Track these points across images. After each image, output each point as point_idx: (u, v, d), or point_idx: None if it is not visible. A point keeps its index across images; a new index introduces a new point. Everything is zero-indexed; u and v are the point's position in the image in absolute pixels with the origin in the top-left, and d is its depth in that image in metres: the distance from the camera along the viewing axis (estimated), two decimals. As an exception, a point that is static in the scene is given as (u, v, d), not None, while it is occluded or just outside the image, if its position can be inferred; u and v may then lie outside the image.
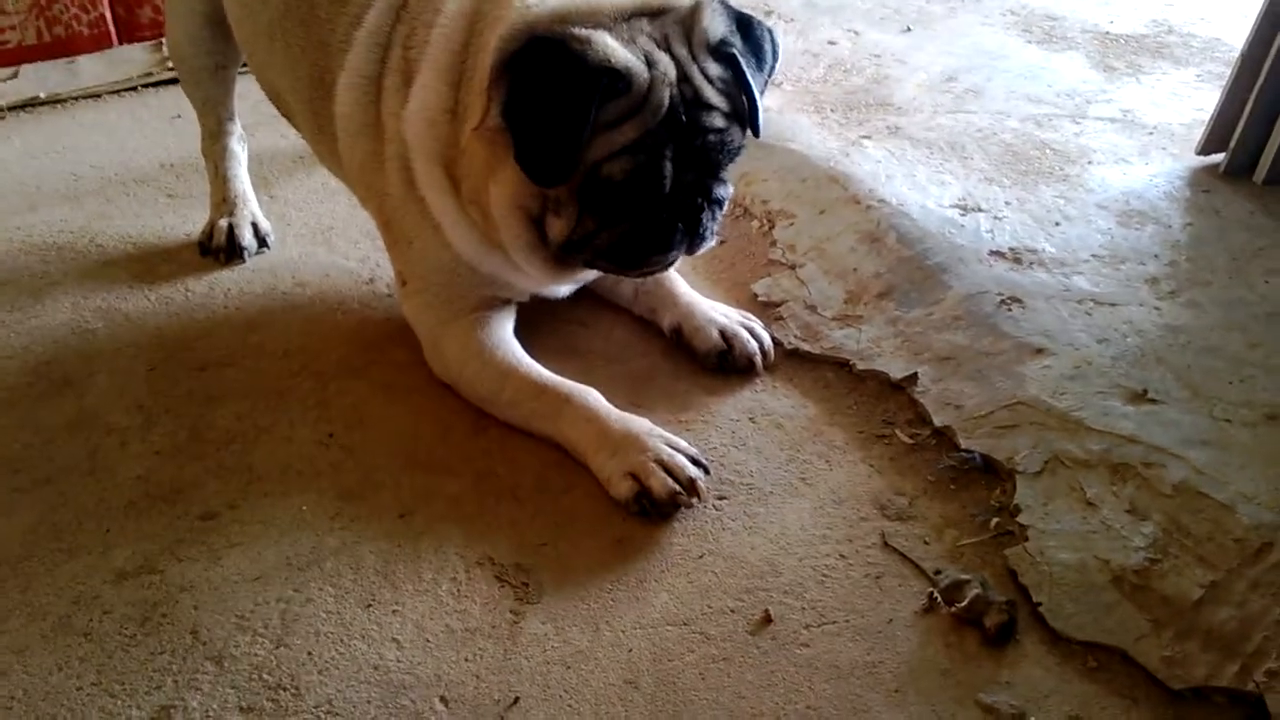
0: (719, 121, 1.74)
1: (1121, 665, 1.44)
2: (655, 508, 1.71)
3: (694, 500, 1.72)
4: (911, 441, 1.85)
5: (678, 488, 1.71)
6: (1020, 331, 2.04)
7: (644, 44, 1.69)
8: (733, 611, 1.56)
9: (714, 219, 1.83)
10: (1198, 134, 2.71)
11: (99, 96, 3.38)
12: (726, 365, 2.04)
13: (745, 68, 1.74)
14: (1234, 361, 1.96)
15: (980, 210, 2.44)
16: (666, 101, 1.67)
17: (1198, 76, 3.20)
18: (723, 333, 2.06)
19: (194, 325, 2.23)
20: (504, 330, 1.99)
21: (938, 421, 1.86)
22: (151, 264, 2.46)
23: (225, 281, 2.38)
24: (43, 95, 3.33)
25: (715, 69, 1.74)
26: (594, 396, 1.85)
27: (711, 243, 1.86)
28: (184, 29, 2.42)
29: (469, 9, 1.80)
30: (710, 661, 1.48)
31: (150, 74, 3.47)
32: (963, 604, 1.51)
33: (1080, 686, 1.42)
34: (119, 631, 1.55)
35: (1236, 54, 2.60)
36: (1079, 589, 1.53)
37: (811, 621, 1.53)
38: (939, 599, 1.54)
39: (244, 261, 2.44)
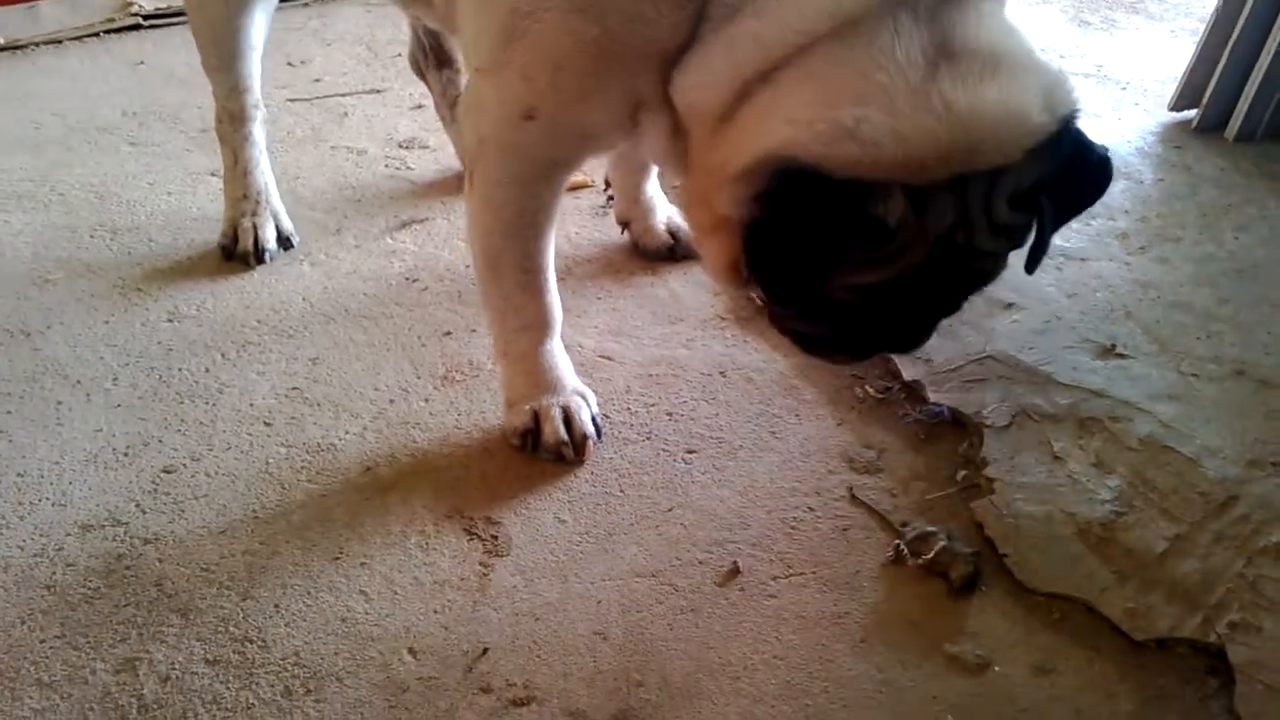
0: (985, 264, 1.43)
1: (1085, 616, 1.45)
2: (536, 450, 1.73)
3: (575, 458, 1.72)
4: (880, 395, 1.85)
5: (566, 439, 1.72)
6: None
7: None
8: (701, 564, 1.56)
9: (935, 331, 1.57)
10: (1170, 90, 2.71)
11: (60, 42, 3.31)
12: (676, 256, 2.22)
13: (1048, 221, 1.39)
14: (1202, 317, 1.98)
15: (953, 165, 2.43)
16: (921, 258, 1.33)
17: (1171, 32, 3.19)
18: (670, 230, 2.22)
19: (156, 276, 2.19)
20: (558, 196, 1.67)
21: (907, 375, 1.86)
22: (113, 214, 2.42)
23: (188, 232, 2.34)
24: (2, 40, 3.26)
25: (1008, 215, 1.34)
26: (559, 336, 1.78)
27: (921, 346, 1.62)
28: None
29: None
30: (679, 613, 1.48)
31: (113, 19, 3.40)
32: (929, 556, 1.52)
33: (1044, 637, 1.43)
34: (83, 584, 1.53)
35: (1210, 10, 2.59)
36: (1044, 541, 1.54)
37: (779, 573, 1.54)
38: (905, 551, 1.54)
39: (265, 263, 2.23)
